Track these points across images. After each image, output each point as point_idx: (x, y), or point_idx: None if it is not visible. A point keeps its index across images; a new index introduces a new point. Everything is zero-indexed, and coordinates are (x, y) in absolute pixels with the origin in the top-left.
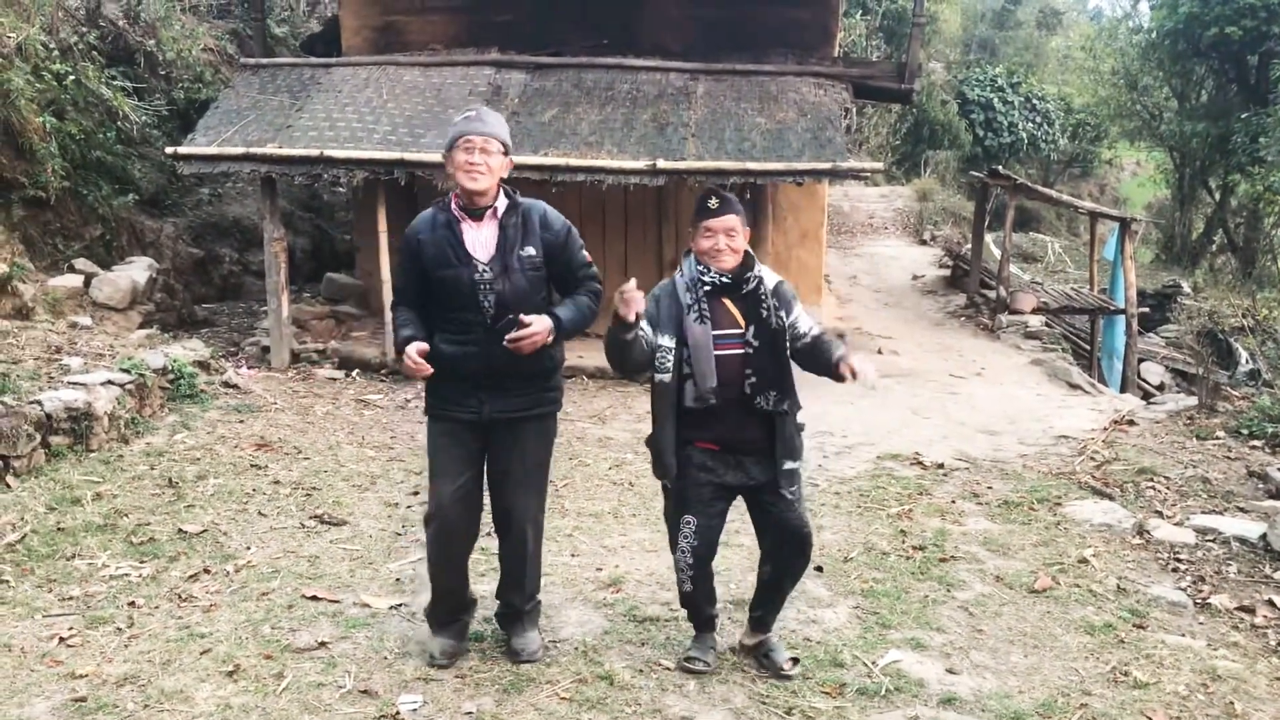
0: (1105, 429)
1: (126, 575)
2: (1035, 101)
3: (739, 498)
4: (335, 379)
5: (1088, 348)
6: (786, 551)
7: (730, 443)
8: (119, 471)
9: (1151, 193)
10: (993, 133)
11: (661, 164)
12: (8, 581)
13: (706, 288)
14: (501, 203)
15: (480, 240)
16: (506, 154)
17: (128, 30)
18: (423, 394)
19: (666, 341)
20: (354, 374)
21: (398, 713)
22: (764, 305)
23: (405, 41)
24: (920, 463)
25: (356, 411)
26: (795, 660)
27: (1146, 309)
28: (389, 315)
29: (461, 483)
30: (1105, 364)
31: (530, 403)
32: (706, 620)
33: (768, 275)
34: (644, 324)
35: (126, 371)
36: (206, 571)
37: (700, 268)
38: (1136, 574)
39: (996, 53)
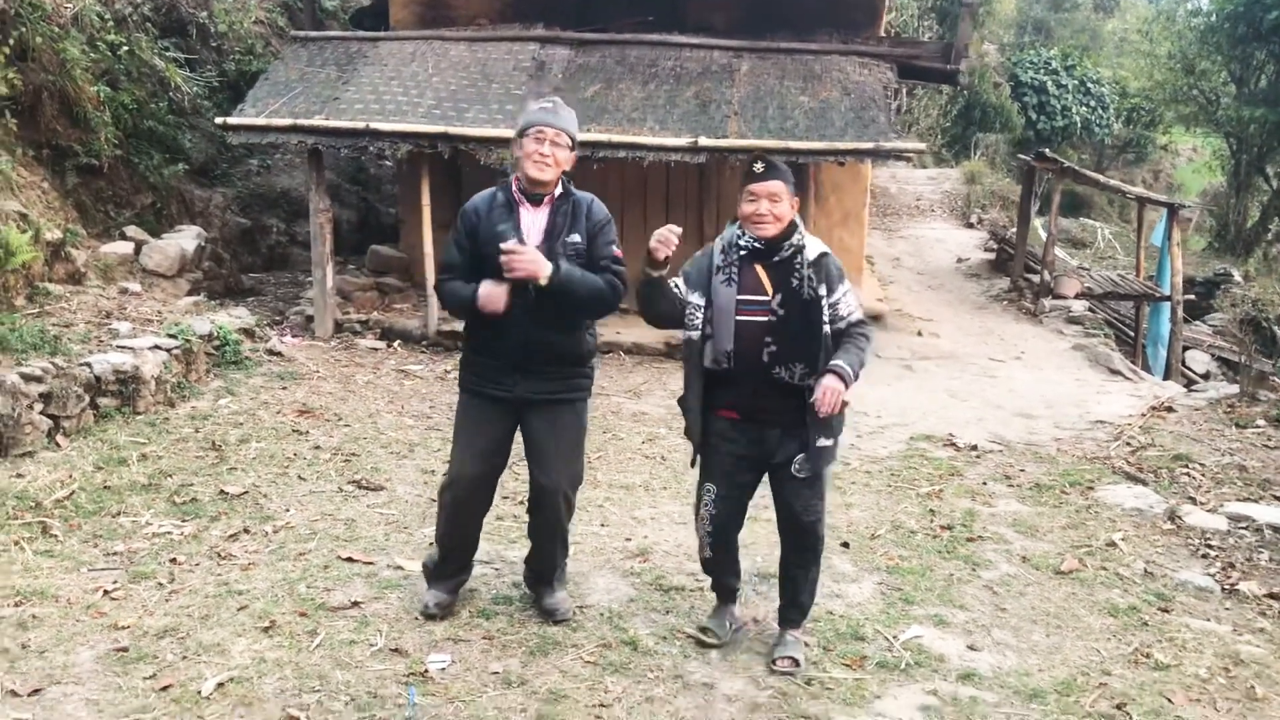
0: (1143, 415)
1: (169, 533)
2: (1090, 85)
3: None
4: (377, 349)
5: (1132, 334)
6: (789, 539)
7: (749, 412)
8: (164, 434)
9: (1206, 179)
10: (1045, 116)
11: (703, 141)
12: (56, 536)
13: (741, 252)
14: (557, 191)
15: (535, 224)
16: (573, 149)
17: (181, 2)
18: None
19: (696, 299)
20: (395, 345)
21: (426, 670)
22: (796, 274)
23: (452, 16)
24: (954, 444)
25: (397, 381)
26: (795, 662)
27: (1193, 296)
28: (431, 289)
29: (483, 457)
30: (1150, 351)
31: (562, 387)
32: (727, 591)
33: (811, 246)
34: (679, 279)
35: (173, 337)
36: (246, 531)
37: (738, 232)
38: (1165, 559)
39: (1051, 35)
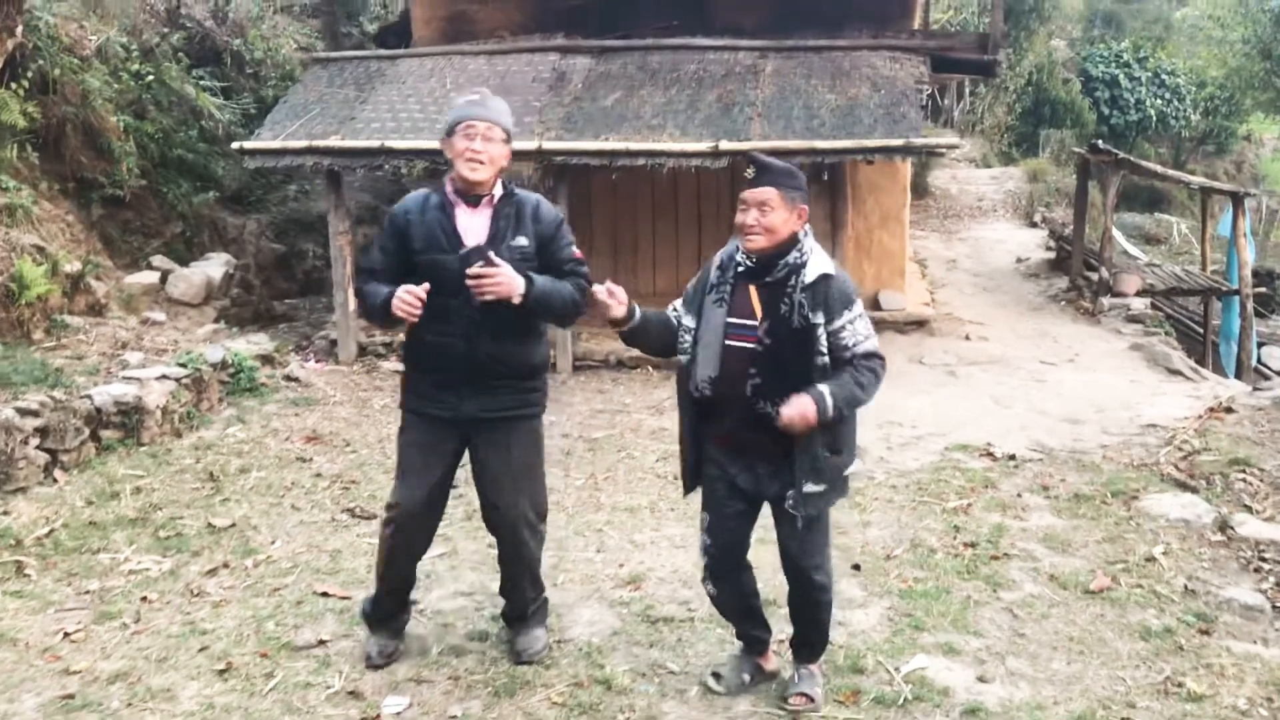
0: (1199, 417)
1: (147, 570)
2: (1164, 77)
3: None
4: (399, 372)
5: (1200, 331)
6: (790, 585)
7: (738, 443)
8: (164, 465)
9: None
10: (1118, 110)
11: (724, 145)
12: (29, 575)
13: (739, 269)
14: (498, 191)
15: (473, 227)
16: (508, 141)
17: (215, 31)
18: None
19: (689, 322)
20: None
21: (379, 716)
22: (787, 299)
23: (473, 30)
24: (990, 454)
25: None
26: (809, 699)
27: (1264, 289)
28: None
29: (427, 485)
30: (1224, 349)
31: (512, 403)
32: (748, 639)
33: (814, 265)
34: (677, 302)
35: (183, 366)
36: (226, 566)
37: (736, 246)
38: (1211, 574)
39: (1122, 28)
